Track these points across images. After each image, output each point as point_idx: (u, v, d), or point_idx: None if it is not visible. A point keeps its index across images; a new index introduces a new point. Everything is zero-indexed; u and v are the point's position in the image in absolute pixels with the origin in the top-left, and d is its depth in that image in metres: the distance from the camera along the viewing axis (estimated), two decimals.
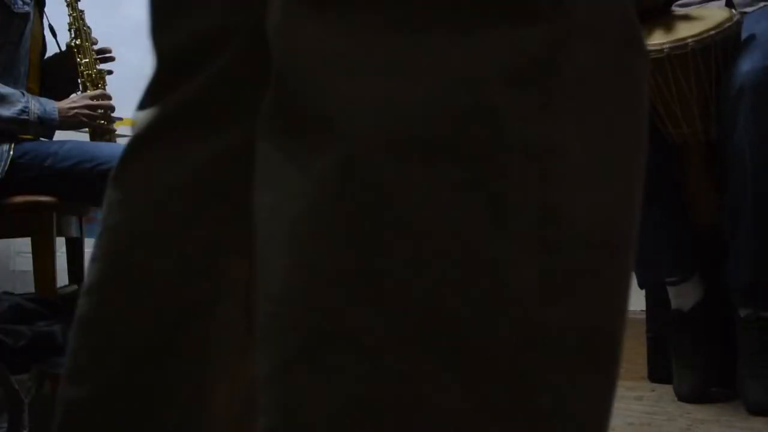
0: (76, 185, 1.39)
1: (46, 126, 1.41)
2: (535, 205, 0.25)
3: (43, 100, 1.41)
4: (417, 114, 0.24)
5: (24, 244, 1.64)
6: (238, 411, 0.51)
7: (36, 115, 1.37)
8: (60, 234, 1.47)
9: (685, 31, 1.17)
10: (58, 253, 1.35)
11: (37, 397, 1.10)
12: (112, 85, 1.61)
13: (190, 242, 0.46)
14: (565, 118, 0.25)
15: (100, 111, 1.50)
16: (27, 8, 1.42)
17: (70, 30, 1.57)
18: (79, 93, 1.57)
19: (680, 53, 1.15)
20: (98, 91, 1.53)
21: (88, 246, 1.72)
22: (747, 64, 1.12)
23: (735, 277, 1.22)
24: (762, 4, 1.30)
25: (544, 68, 0.25)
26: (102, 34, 1.63)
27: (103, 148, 1.45)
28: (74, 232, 1.63)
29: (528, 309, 0.25)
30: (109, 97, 1.54)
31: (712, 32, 1.15)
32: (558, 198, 0.25)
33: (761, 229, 1.16)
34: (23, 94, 1.38)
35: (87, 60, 1.56)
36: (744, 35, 1.19)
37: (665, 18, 1.25)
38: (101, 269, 0.47)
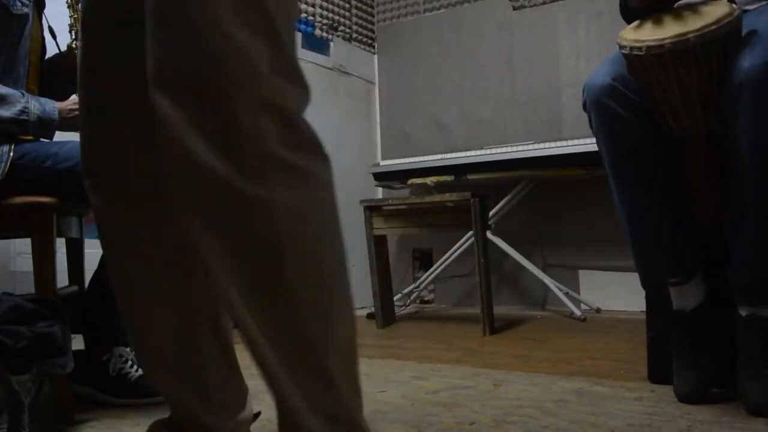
0: (77, 186, 1.38)
1: (46, 126, 1.40)
2: None
3: (43, 100, 1.41)
4: None
5: (24, 244, 1.64)
6: None
7: (36, 116, 1.37)
8: (60, 235, 1.47)
9: (686, 26, 1.17)
10: (58, 254, 1.35)
11: (37, 397, 1.10)
12: None
13: None
14: None
15: None
16: (26, 9, 1.42)
17: (71, 31, 1.57)
18: None
19: (681, 48, 1.15)
20: None
21: (89, 246, 1.72)
22: (747, 61, 1.12)
23: (736, 275, 1.22)
24: (763, 2, 1.30)
25: None
26: None
27: None
28: (74, 233, 1.63)
29: None
30: None
31: (713, 27, 1.14)
32: None
33: (762, 227, 1.16)
34: (23, 94, 1.38)
35: None
36: (744, 31, 1.19)
37: (667, 12, 1.25)
38: None
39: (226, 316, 0.90)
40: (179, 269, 0.86)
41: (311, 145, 0.69)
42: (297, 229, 0.66)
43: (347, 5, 3.45)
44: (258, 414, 0.99)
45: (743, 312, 1.23)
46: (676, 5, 1.28)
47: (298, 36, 3.09)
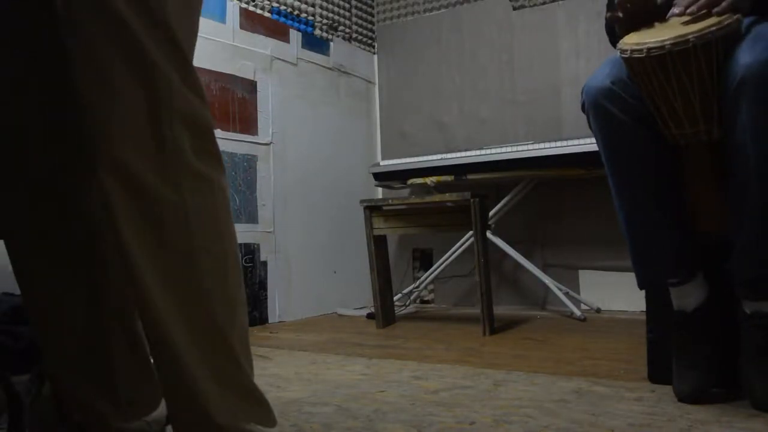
0: None
1: None
2: None
3: None
4: None
5: None
6: None
7: None
8: None
9: (686, 28, 1.17)
10: None
11: (37, 397, 1.10)
12: None
13: None
14: None
15: None
16: None
17: None
18: None
19: (682, 49, 1.15)
20: None
21: None
22: (748, 57, 1.12)
23: (740, 272, 1.22)
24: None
25: None
26: None
27: None
28: None
29: None
30: None
31: (713, 28, 1.14)
32: None
33: (766, 223, 1.16)
34: None
35: None
36: (744, 32, 1.19)
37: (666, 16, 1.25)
38: None
39: (136, 315, 0.92)
40: (88, 265, 0.89)
41: (217, 154, 0.80)
42: (205, 228, 0.77)
43: (347, 5, 3.45)
44: None
45: (747, 309, 1.23)
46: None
47: (299, 36, 3.09)
